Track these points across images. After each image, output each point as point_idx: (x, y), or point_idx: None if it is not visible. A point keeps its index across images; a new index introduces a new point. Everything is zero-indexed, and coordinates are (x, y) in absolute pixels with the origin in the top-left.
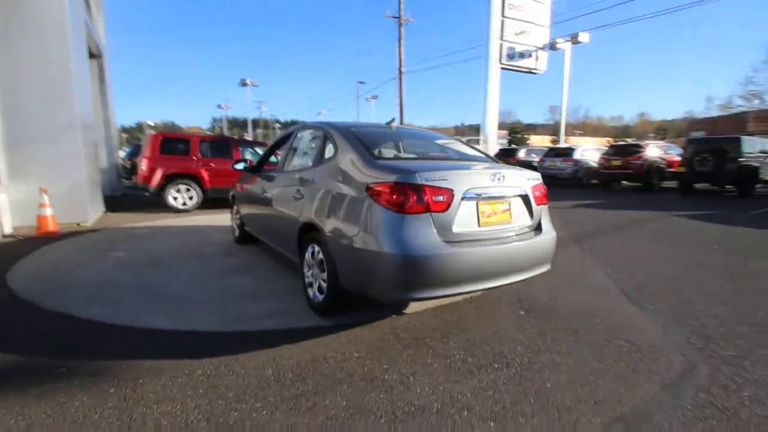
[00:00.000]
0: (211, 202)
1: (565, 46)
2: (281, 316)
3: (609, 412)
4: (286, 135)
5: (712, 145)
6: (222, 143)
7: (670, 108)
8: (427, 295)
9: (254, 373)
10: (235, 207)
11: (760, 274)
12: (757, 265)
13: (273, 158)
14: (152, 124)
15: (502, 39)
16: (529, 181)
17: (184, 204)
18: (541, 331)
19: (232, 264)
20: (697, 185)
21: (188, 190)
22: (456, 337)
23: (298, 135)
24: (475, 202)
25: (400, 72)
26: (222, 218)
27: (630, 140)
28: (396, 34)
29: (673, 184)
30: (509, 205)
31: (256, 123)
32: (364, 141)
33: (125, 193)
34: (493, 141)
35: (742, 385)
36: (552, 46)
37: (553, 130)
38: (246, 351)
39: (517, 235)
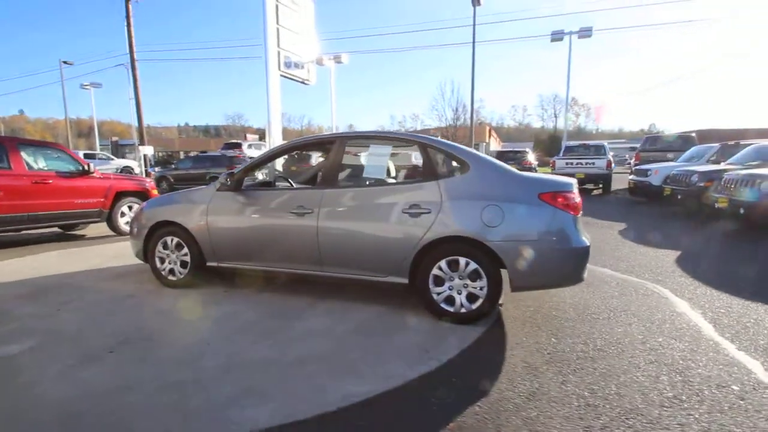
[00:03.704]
0: None
1: (329, 63)
2: (440, 339)
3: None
4: (303, 144)
5: None
6: None
7: (367, 122)
8: (585, 275)
9: (551, 368)
10: (169, 240)
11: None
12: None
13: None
14: None
15: (279, 47)
16: None
17: None
18: (591, 290)
19: (257, 313)
20: None
21: None
22: (568, 308)
23: (351, 148)
24: None
25: (133, 59)
26: (41, 264)
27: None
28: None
29: None
30: None
31: None
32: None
33: None
34: (279, 143)
35: (707, 297)
36: (319, 62)
37: (296, 136)
38: (498, 370)
39: None
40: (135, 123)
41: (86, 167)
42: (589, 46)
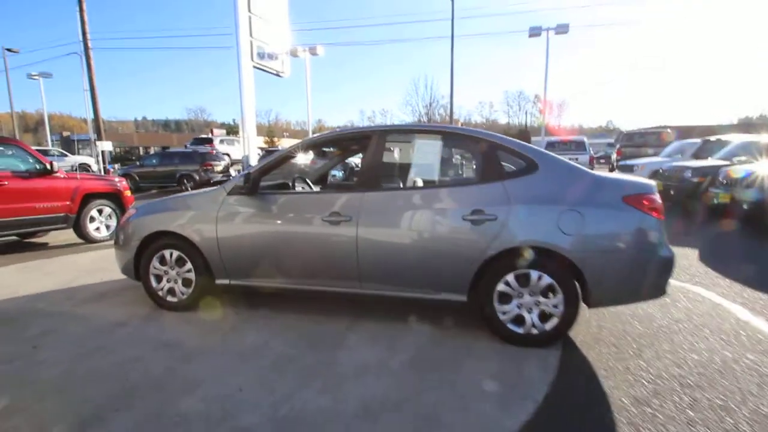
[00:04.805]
0: None
1: (304, 55)
2: (517, 368)
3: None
4: (332, 139)
5: None
6: None
7: (336, 118)
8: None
9: (665, 403)
10: (168, 254)
11: None
12: None
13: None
14: None
15: (251, 36)
16: None
17: None
18: None
19: (287, 342)
20: None
21: None
22: (632, 320)
23: (393, 142)
24: None
25: (87, 46)
26: None
27: None
28: None
29: None
30: None
31: None
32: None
33: None
34: (253, 139)
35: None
36: (293, 53)
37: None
38: (608, 409)
39: None
40: (90, 116)
41: (48, 166)
42: (553, 43)
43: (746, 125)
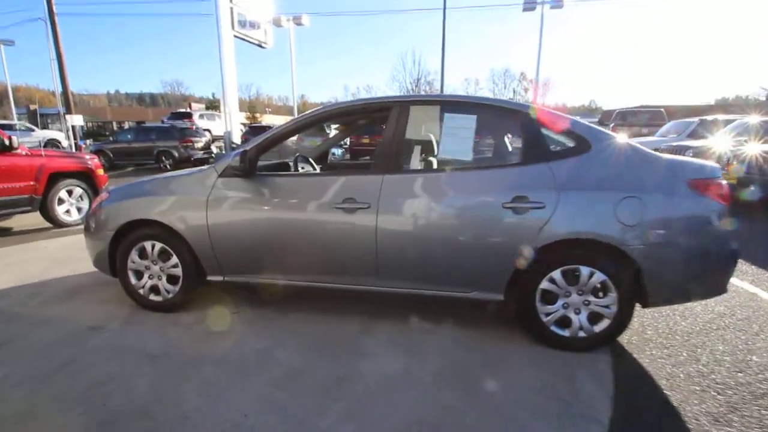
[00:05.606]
0: None
1: (288, 25)
2: (568, 379)
3: None
4: (344, 111)
5: None
6: None
7: (320, 94)
8: None
9: (744, 421)
10: (149, 246)
11: None
12: None
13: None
14: None
15: (231, 2)
16: None
17: None
18: None
19: (294, 348)
20: None
21: None
22: (675, 316)
23: (416, 114)
24: None
25: (52, 11)
26: None
27: None
28: None
29: None
30: None
31: None
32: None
33: None
34: (236, 114)
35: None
36: (277, 23)
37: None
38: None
39: None
40: (58, 88)
41: (7, 142)
42: (534, 20)
43: (724, 105)
